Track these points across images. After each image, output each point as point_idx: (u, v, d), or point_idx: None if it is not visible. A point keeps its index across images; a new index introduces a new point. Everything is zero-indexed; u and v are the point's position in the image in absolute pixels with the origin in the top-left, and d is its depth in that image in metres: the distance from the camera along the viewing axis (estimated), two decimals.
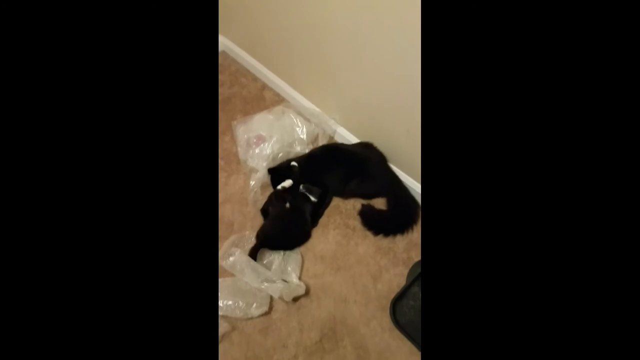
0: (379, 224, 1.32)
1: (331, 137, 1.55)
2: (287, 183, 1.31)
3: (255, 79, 1.74)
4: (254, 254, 1.20)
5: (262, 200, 1.35)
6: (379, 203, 1.39)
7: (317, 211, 1.32)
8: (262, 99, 1.68)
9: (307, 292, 1.17)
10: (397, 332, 1.12)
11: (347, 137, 1.52)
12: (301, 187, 1.31)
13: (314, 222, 1.31)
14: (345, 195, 1.38)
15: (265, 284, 1.13)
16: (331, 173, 1.34)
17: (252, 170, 1.39)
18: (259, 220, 1.31)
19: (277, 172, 1.34)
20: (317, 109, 1.54)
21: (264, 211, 1.31)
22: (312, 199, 1.30)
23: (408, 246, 1.30)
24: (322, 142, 1.48)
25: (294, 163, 1.33)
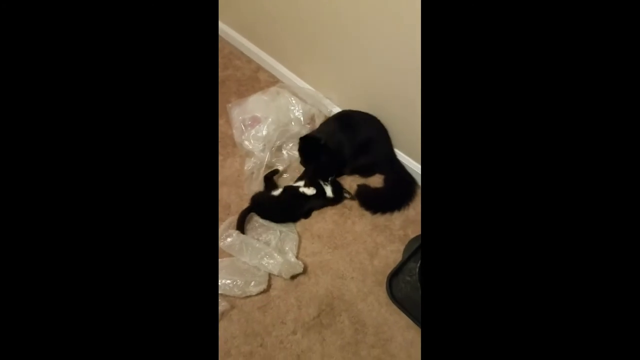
0: (376, 202, 1.32)
1: (327, 117, 1.54)
2: (310, 192, 1.25)
3: (249, 60, 1.72)
4: (243, 216, 1.22)
5: (259, 181, 1.35)
6: (375, 182, 1.39)
7: (314, 207, 1.31)
8: (257, 80, 1.66)
9: (304, 270, 1.19)
10: (393, 307, 1.13)
11: None
12: (324, 182, 1.27)
13: (307, 213, 1.30)
14: (349, 171, 1.38)
15: (265, 260, 1.15)
16: (343, 151, 1.32)
17: (248, 153, 1.39)
18: None
19: (308, 143, 1.28)
20: (313, 89, 1.53)
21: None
22: (328, 193, 1.26)
23: (404, 223, 1.30)
24: (318, 122, 1.47)
25: (324, 142, 1.25)
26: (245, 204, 1.31)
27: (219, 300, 1.11)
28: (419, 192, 1.35)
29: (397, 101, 1.27)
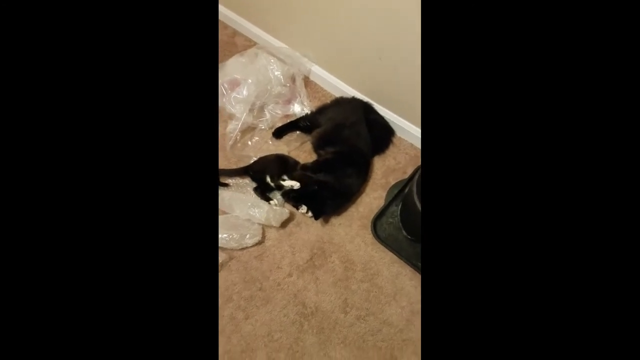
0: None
1: (306, 77, 1.57)
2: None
3: (225, 26, 1.71)
4: (232, 173, 1.31)
5: (242, 143, 1.40)
6: None
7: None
8: (234, 45, 1.66)
9: (296, 221, 1.27)
10: (378, 245, 1.24)
11: (323, 75, 1.54)
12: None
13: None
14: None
15: (253, 209, 1.22)
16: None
17: (231, 116, 1.42)
18: (242, 164, 1.36)
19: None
20: (290, 49, 1.55)
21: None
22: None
23: (386, 172, 1.39)
24: (299, 81, 1.50)
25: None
26: (231, 165, 1.36)
27: (218, 252, 1.18)
28: (392, 137, 1.46)
29: (375, 53, 1.31)
